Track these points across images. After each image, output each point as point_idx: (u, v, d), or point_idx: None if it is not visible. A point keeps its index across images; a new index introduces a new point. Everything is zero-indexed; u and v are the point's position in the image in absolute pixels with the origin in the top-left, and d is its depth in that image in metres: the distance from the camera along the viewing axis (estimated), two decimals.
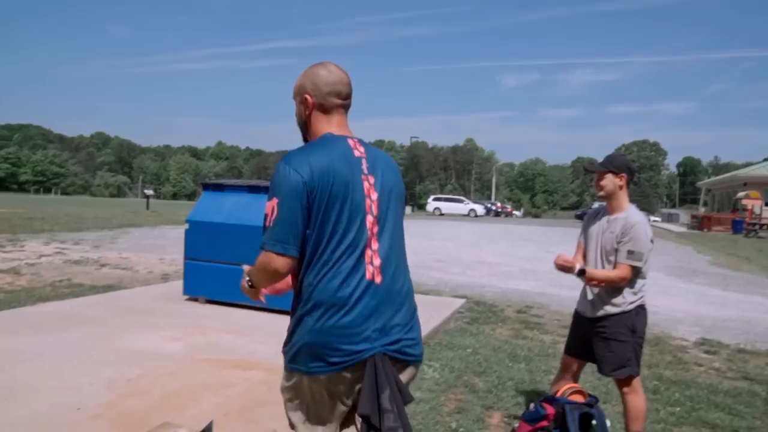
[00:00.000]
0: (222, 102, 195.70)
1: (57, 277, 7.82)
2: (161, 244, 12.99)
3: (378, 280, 1.95)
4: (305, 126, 2.10)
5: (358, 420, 1.94)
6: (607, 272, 2.99)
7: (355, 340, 1.90)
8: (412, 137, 70.97)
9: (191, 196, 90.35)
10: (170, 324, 5.23)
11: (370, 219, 1.96)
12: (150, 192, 32.41)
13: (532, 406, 3.13)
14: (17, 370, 3.80)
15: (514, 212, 56.65)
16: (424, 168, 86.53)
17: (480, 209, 46.88)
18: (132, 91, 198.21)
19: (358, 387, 1.95)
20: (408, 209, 55.06)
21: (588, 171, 3.20)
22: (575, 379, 3.29)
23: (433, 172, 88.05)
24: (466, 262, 12.58)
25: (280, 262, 1.91)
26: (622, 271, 2.95)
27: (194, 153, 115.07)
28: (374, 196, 1.98)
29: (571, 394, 3.04)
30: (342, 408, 2.03)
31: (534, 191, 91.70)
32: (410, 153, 78.74)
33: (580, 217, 42.72)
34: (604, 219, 3.12)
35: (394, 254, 2.01)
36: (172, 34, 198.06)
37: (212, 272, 6.04)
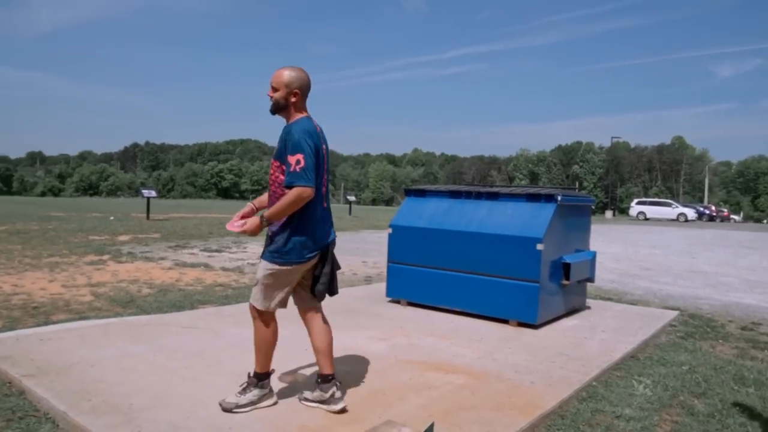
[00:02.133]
0: (417, 109, 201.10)
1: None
2: (363, 248, 13.67)
3: (325, 205, 3.40)
4: (284, 107, 3.28)
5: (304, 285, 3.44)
6: None
7: (325, 235, 3.36)
8: (612, 137, 67.17)
9: (389, 202, 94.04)
10: (375, 324, 5.46)
11: (325, 170, 3.34)
12: (352, 198, 34.15)
13: None
14: (246, 359, 4.19)
15: (731, 216, 50.96)
16: (625, 170, 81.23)
17: (691, 213, 42.95)
18: (334, 104, 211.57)
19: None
20: (608, 213, 52.09)
21: None
22: None
23: (636, 174, 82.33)
24: (677, 270, 11.56)
25: (310, 192, 3.13)
26: None
27: (391, 160, 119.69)
28: (326, 157, 3.35)
29: None
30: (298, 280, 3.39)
31: (756, 193, 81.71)
32: (610, 154, 74.46)
33: None
34: None
35: (328, 192, 3.46)
36: (368, 48, 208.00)
37: (414, 276, 6.21)
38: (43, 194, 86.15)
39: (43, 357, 4.03)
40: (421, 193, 6.59)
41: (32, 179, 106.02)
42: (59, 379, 3.59)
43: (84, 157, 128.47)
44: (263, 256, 3.31)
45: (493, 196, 6.08)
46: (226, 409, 3.22)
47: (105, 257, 10.01)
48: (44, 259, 9.55)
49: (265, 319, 3.38)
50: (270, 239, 3.31)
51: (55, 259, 9.52)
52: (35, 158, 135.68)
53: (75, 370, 3.79)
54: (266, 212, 3.21)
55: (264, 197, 3.49)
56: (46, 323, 5.23)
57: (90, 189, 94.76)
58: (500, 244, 5.66)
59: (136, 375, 3.75)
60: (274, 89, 3.26)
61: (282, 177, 3.19)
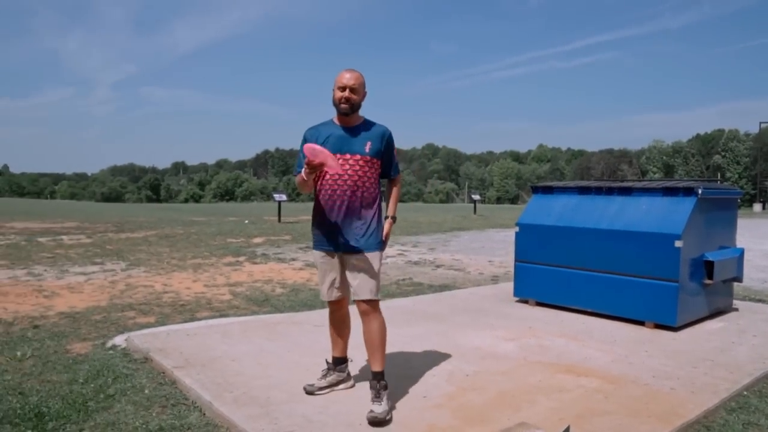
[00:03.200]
0: (542, 104, 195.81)
1: (400, 276, 8.70)
2: (489, 247, 13.52)
3: None
4: (359, 108, 3.42)
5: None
6: None
7: None
8: (761, 123, 61.22)
9: (514, 200, 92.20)
10: (502, 324, 5.39)
11: None
12: (477, 197, 33.80)
13: None
14: None
15: None
16: None
17: None
18: (456, 103, 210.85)
19: None
20: (757, 207, 47.87)
21: None
22: None
23: None
24: None
25: None
26: None
27: (516, 157, 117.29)
28: None
29: None
30: None
31: None
32: (759, 141, 68.13)
33: None
34: None
35: None
36: (490, 44, 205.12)
37: (543, 275, 6.07)
38: (185, 201, 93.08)
39: (190, 350, 4.36)
40: (549, 190, 6.42)
41: (176, 187, 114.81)
42: (205, 372, 3.88)
43: (220, 165, 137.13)
44: (369, 248, 3.37)
45: (626, 191, 5.80)
46: (375, 423, 3.09)
47: (241, 259, 10.63)
48: (188, 260, 10.31)
49: (379, 309, 3.44)
50: (356, 229, 3.38)
51: (198, 261, 10.25)
52: (179, 168, 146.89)
53: (218, 363, 4.07)
54: (391, 212, 3.53)
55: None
56: (191, 320, 5.65)
57: (226, 195, 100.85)
58: (635, 242, 5.38)
59: (273, 370, 3.96)
60: (356, 91, 3.37)
61: (370, 172, 3.40)
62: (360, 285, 3.37)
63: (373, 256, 3.38)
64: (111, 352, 4.54)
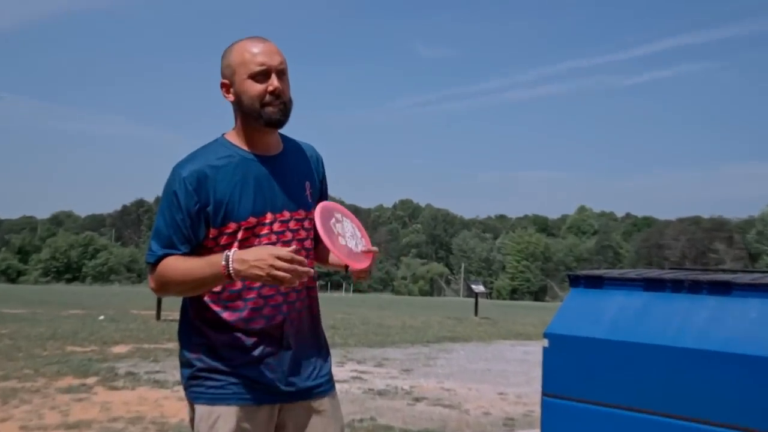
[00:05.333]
0: (582, 142, 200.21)
1: (356, 415, 8.62)
2: (500, 369, 13.59)
3: None
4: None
5: None
6: None
7: None
8: None
9: (539, 294, 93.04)
10: None
11: None
12: (480, 288, 33.80)
13: None
14: None
15: None
16: None
17: None
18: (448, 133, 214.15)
19: None
20: None
21: None
22: None
23: None
24: None
25: None
26: None
27: (542, 225, 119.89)
28: None
29: None
30: None
31: None
32: None
33: None
34: None
35: None
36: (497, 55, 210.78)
37: (588, 419, 6.09)
38: None
39: None
40: (598, 283, 6.52)
41: None
42: None
43: (60, 221, 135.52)
44: (334, 389, 3.09)
45: (723, 288, 5.93)
46: None
47: (91, 381, 10.42)
48: None
49: None
50: (321, 355, 3.04)
51: (13, 384, 10.01)
52: None
53: None
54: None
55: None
56: None
57: (67, 272, 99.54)
58: (739, 370, 5.47)
59: None
60: (286, 76, 2.79)
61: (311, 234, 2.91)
62: None
63: (337, 398, 3.13)
64: None
